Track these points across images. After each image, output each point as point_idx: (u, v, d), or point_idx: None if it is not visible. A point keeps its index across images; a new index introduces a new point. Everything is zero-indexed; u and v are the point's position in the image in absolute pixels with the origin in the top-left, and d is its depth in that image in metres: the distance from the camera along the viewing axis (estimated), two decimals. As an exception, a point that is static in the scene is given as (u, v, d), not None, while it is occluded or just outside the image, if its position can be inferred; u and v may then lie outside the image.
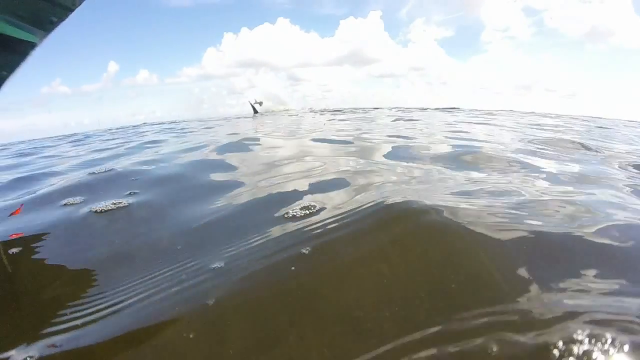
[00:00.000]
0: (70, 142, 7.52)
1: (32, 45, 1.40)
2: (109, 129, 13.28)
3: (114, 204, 1.47)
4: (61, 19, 1.40)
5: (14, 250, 1.15)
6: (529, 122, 6.77)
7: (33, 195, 1.89)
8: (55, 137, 11.80)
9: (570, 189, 1.51)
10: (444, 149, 2.77)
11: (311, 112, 16.17)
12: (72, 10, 1.42)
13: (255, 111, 13.99)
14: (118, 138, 6.90)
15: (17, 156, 4.96)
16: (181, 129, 7.99)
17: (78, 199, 1.63)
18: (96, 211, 1.42)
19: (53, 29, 1.43)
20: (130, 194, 1.66)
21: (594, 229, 0.97)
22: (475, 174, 1.80)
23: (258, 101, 13.83)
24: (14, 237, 1.30)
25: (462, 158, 2.28)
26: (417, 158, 2.35)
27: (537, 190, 1.43)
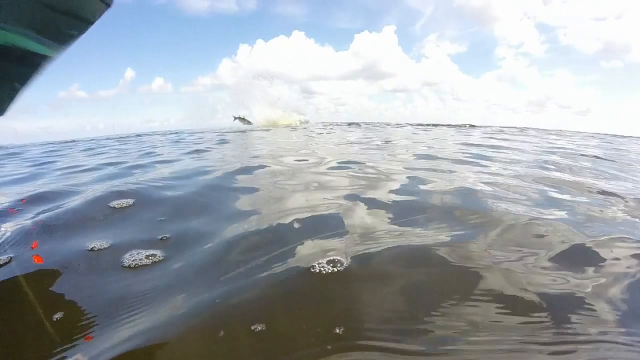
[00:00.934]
0: (83, 150, 7.47)
1: (49, 59, 1.32)
2: (122, 136, 13.29)
3: (148, 257, 1.30)
4: (81, 32, 1.33)
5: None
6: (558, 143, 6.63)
7: (51, 230, 1.71)
8: (69, 141, 11.88)
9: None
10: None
11: (322, 125, 15.86)
12: (92, 24, 1.34)
13: (248, 122, 13.04)
14: (129, 150, 6.83)
15: (32, 165, 4.86)
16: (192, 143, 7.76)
17: (104, 242, 1.46)
18: (129, 266, 1.25)
19: (72, 42, 1.35)
20: (162, 239, 1.49)
21: None
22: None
23: (240, 116, 12.86)
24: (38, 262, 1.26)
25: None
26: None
27: None
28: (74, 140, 12.10)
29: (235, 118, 11.98)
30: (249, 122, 12.45)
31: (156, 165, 3.73)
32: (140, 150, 5.81)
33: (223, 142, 7.02)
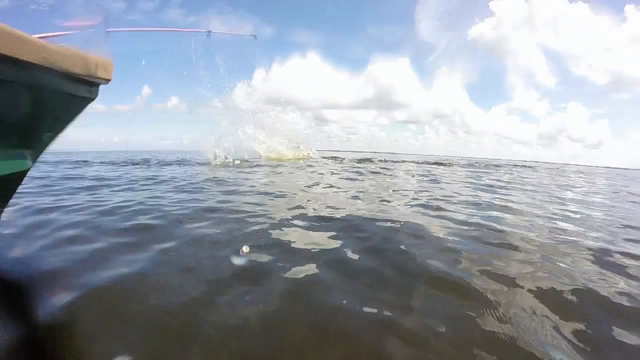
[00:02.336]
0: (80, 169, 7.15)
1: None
2: (136, 158, 13.15)
3: None
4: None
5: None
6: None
7: None
8: (80, 161, 11.41)
9: None
10: None
11: (330, 161, 14.49)
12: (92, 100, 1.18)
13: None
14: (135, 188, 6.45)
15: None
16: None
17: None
18: None
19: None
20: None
21: None
22: None
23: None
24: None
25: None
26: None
27: None
28: (86, 162, 11.49)
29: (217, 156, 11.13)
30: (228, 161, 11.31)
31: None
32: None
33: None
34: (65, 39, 1.13)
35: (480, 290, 1.42)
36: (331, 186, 5.01)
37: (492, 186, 6.09)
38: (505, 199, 4.27)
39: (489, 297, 1.37)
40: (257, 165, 9.66)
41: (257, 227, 2.35)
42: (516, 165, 19.15)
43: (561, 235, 2.45)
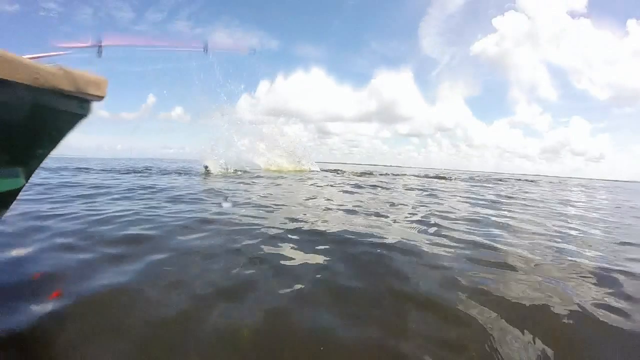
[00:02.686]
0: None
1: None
2: (139, 165, 13.17)
3: None
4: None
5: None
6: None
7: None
8: (81, 168, 11.35)
9: None
10: None
11: (330, 174, 14.05)
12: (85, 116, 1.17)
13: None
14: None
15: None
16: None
17: None
18: None
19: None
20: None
21: None
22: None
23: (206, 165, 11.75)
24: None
25: None
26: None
27: None
28: (87, 169, 11.44)
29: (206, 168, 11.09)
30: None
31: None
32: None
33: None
34: (61, 59, 1.15)
35: (471, 314, 1.39)
36: (329, 200, 4.99)
37: (492, 201, 6.05)
38: (505, 215, 4.22)
39: (479, 321, 1.33)
40: (256, 177, 9.67)
41: (250, 241, 2.33)
42: (518, 180, 19.08)
43: (560, 254, 2.40)
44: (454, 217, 3.84)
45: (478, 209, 4.74)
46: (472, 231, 3.04)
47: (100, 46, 1.20)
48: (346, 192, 6.49)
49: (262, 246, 2.23)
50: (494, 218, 3.94)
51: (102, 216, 3.02)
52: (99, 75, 1.08)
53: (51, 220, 2.82)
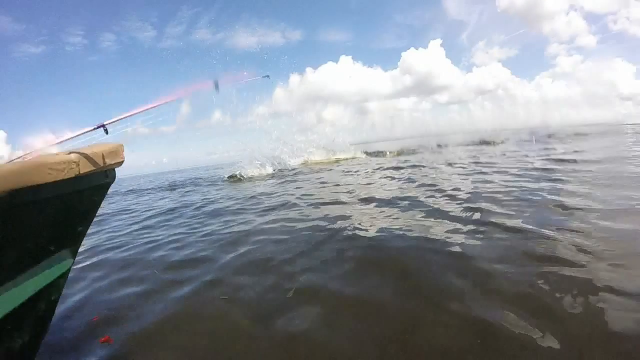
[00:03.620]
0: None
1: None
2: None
3: None
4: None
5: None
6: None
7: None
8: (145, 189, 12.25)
9: None
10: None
11: (364, 161, 13.48)
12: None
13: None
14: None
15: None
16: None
17: None
18: None
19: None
20: None
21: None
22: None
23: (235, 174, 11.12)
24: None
25: None
26: None
27: None
28: (136, 190, 11.75)
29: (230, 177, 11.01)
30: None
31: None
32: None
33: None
34: (74, 141, 1.21)
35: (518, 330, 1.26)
36: (367, 200, 4.71)
37: (544, 169, 5.43)
38: (563, 190, 3.70)
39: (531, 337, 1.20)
40: (299, 173, 9.86)
41: (298, 250, 2.42)
42: (568, 136, 17.09)
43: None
44: (503, 197, 3.51)
45: (529, 184, 4.24)
46: (525, 215, 2.77)
47: (104, 126, 1.25)
48: (389, 177, 6.38)
49: (311, 252, 2.26)
50: (550, 195, 3.44)
51: (156, 243, 3.26)
52: (113, 144, 1.13)
53: (110, 252, 3.11)
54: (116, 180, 1.21)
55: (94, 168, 1.03)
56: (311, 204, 4.34)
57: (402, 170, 7.18)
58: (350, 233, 2.75)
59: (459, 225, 2.67)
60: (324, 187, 6.18)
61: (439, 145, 17.40)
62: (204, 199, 6.40)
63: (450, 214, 3.07)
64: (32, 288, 0.99)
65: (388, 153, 15.97)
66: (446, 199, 3.75)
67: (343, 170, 9.42)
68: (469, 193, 3.95)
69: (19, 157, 1.80)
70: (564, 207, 2.89)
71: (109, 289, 2.21)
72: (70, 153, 0.96)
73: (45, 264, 1.04)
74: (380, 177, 6.56)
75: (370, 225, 2.94)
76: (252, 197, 5.77)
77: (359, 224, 3.02)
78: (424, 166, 7.84)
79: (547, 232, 2.29)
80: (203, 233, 3.41)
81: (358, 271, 1.99)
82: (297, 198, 5.01)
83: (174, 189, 10.14)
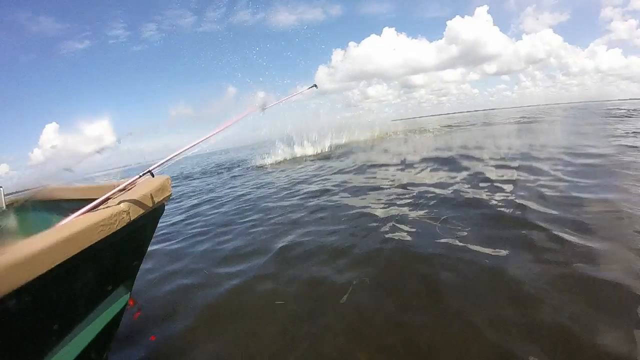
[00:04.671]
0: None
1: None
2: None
3: None
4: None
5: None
6: None
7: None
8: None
9: None
10: None
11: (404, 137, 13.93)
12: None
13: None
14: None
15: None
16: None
17: None
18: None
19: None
20: None
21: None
22: None
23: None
24: None
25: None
26: None
27: None
28: (188, 176, 11.38)
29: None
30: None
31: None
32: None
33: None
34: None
35: None
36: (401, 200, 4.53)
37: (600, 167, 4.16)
38: None
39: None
40: (348, 153, 9.84)
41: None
42: (628, 112, 14.77)
43: None
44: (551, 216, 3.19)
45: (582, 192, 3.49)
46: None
47: (150, 172, 1.25)
48: (431, 169, 5.46)
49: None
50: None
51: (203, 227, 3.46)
52: (160, 178, 1.15)
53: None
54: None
55: (144, 211, 1.06)
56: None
57: (436, 164, 6.00)
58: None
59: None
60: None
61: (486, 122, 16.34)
62: (257, 187, 6.22)
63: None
64: (94, 331, 1.02)
65: (430, 133, 15.38)
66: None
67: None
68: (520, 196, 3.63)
69: (25, 190, 1.90)
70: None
71: (159, 282, 2.37)
72: (120, 203, 0.98)
73: (103, 306, 1.06)
74: (420, 167, 6.18)
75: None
76: (295, 185, 5.79)
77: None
78: (467, 157, 6.45)
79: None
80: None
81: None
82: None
83: (228, 170, 10.44)
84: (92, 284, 0.99)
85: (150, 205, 1.08)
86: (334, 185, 5.08)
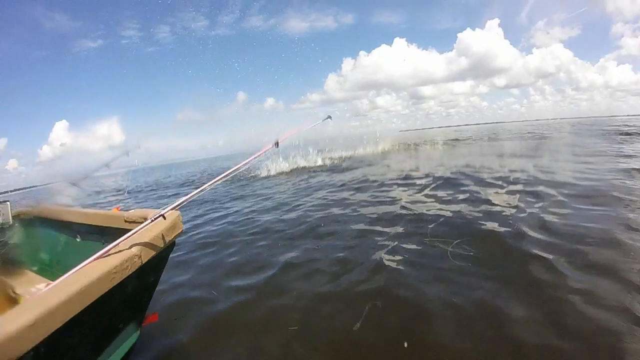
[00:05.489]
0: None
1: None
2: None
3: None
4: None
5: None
6: None
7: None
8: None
9: None
10: None
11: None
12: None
13: None
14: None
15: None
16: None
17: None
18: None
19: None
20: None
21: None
22: None
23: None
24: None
25: None
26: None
27: None
28: (193, 182, 11.65)
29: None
30: None
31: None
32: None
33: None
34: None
35: None
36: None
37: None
38: None
39: None
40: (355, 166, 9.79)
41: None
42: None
43: None
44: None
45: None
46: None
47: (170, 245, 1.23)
48: (435, 197, 5.20)
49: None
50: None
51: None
52: (171, 215, 1.14)
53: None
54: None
55: (156, 252, 1.05)
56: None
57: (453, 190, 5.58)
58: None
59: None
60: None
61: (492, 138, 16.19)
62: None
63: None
64: None
65: (438, 145, 15.38)
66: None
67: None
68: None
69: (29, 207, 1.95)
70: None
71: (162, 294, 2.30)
72: (131, 247, 0.98)
73: (115, 345, 1.06)
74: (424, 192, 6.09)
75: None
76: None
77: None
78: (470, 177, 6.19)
79: None
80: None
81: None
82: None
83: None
84: (103, 325, 0.99)
85: (162, 245, 1.08)
86: (340, 199, 5.03)
